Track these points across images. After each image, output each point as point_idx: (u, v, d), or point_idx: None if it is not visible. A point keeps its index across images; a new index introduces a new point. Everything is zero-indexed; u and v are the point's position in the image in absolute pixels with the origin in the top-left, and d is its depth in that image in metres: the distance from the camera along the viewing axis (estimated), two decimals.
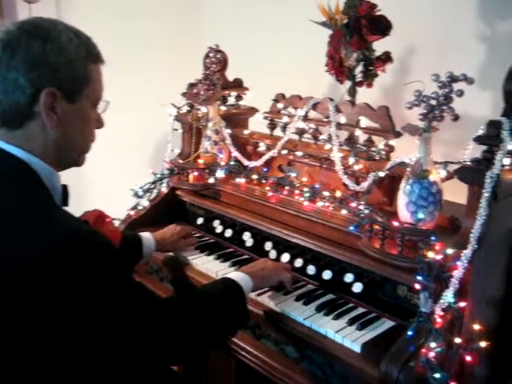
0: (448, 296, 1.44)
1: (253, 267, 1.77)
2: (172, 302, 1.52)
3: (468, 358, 1.42)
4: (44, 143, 1.35)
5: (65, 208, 1.41)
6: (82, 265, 1.22)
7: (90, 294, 1.23)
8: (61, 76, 1.31)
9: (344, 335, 1.59)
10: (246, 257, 2.10)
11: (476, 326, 1.45)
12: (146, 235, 2.08)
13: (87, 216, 1.75)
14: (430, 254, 1.53)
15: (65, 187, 1.45)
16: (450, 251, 1.52)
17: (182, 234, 2.18)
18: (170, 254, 2.17)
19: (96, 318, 1.25)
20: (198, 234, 2.30)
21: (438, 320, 1.43)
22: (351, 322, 1.65)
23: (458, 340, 1.42)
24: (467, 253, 1.46)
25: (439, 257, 1.50)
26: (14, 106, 1.30)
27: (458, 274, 1.45)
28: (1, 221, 1.24)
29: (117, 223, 2.31)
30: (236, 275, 1.67)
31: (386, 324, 1.66)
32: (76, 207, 1.44)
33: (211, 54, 2.37)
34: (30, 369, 1.25)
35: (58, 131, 1.36)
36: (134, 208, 2.45)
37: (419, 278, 1.48)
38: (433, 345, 1.38)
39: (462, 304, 1.45)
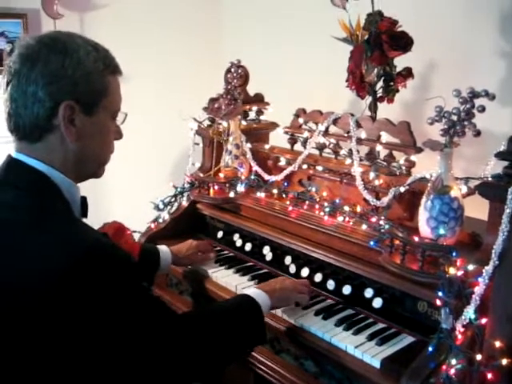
0: (469, 312, 1.43)
1: (272, 286, 1.74)
2: (189, 317, 1.52)
3: (489, 376, 1.40)
4: (64, 156, 1.36)
5: (84, 220, 1.42)
6: (100, 278, 1.22)
7: (107, 307, 1.24)
8: (79, 89, 1.32)
9: (364, 350, 1.58)
10: (266, 271, 2.10)
11: (497, 343, 1.43)
12: (162, 248, 2.09)
13: (106, 228, 1.76)
14: (451, 270, 1.52)
15: (84, 199, 1.46)
16: (471, 267, 1.51)
17: (199, 249, 2.18)
18: (190, 267, 2.18)
19: (113, 332, 1.25)
20: (217, 248, 2.31)
21: (459, 336, 1.42)
22: (371, 338, 1.64)
23: (479, 357, 1.41)
24: (488, 269, 1.45)
25: (460, 273, 1.49)
26: (33, 119, 1.31)
27: (479, 290, 1.44)
28: (22, 233, 1.25)
29: (137, 236, 2.33)
30: (254, 293, 1.66)
31: (406, 340, 1.65)
32: (96, 219, 1.45)
33: (233, 69, 2.39)
34: (44, 380, 1.25)
35: (78, 144, 1.36)
36: (154, 221, 2.46)
37: (440, 293, 1.47)
38: (453, 361, 1.36)
39: (484, 320, 1.43)
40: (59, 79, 1.29)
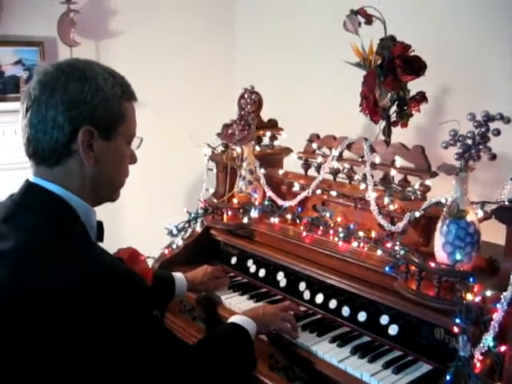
0: (488, 340, 1.40)
1: (255, 312, 1.77)
2: (191, 349, 1.52)
3: None
4: (81, 180, 1.38)
5: (100, 244, 1.43)
6: (113, 301, 1.23)
7: (117, 330, 1.24)
8: (97, 114, 1.34)
9: (380, 379, 1.55)
10: (280, 297, 2.08)
11: None
12: (178, 275, 2.08)
13: (121, 253, 1.76)
14: (469, 296, 1.50)
15: (100, 224, 1.47)
16: (488, 293, 1.48)
17: (214, 275, 2.17)
18: (204, 293, 2.16)
19: (118, 356, 1.25)
20: (231, 274, 2.29)
21: (478, 364, 1.39)
22: (387, 366, 1.61)
23: None
24: (507, 295, 1.42)
25: (478, 299, 1.47)
26: (52, 144, 1.33)
27: (497, 316, 1.41)
28: (39, 256, 1.26)
29: (150, 261, 2.32)
30: (242, 320, 1.68)
31: (423, 368, 1.61)
32: (110, 244, 1.46)
33: (246, 95, 2.40)
34: None
35: (95, 168, 1.38)
36: (168, 246, 2.46)
37: (457, 320, 1.44)
38: None
39: (503, 348, 1.41)
40: (78, 105, 1.32)
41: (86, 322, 1.20)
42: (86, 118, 1.33)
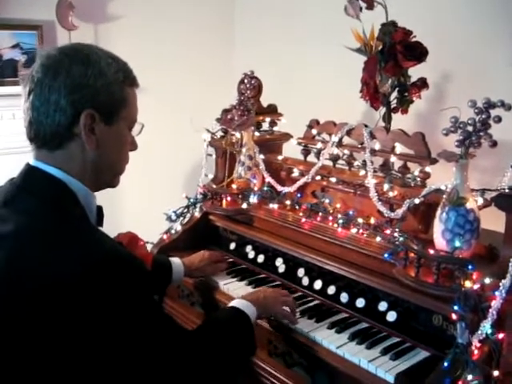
0: (486, 327, 1.41)
1: (256, 296, 1.77)
2: (191, 333, 1.53)
3: None
4: (82, 164, 1.38)
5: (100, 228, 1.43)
6: (114, 284, 1.23)
7: (118, 313, 1.25)
8: (100, 98, 1.35)
9: (377, 365, 1.56)
10: (278, 283, 2.08)
11: None
12: (175, 260, 2.09)
13: (121, 237, 1.76)
14: (467, 284, 1.50)
15: (100, 208, 1.47)
16: (487, 281, 1.48)
17: (211, 260, 2.18)
18: (201, 278, 2.17)
19: (117, 339, 1.26)
20: (230, 260, 2.30)
21: (475, 352, 1.39)
22: (385, 352, 1.62)
23: (496, 373, 1.38)
24: (506, 282, 1.42)
25: (476, 286, 1.47)
26: (54, 127, 1.33)
27: (496, 304, 1.42)
28: (39, 239, 1.26)
29: (149, 246, 2.32)
30: (242, 304, 1.68)
31: (421, 354, 1.62)
32: (109, 229, 1.45)
33: (246, 80, 2.38)
34: (41, 379, 1.25)
35: (97, 152, 1.38)
36: (166, 232, 2.45)
37: (456, 307, 1.44)
38: (469, 377, 1.34)
39: (501, 335, 1.41)
40: (81, 88, 1.32)
41: (86, 305, 1.20)
42: (88, 101, 1.33)
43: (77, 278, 1.19)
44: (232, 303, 1.71)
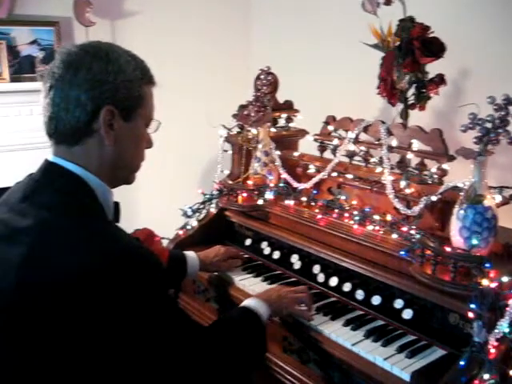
0: (503, 326, 1.39)
1: (269, 295, 1.76)
2: (204, 331, 1.53)
3: None
4: (100, 160, 1.39)
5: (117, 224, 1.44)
6: (131, 279, 1.24)
7: (134, 308, 1.26)
8: (119, 95, 1.36)
9: (393, 363, 1.55)
10: (294, 279, 2.08)
11: None
12: (190, 254, 2.10)
13: (138, 233, 1.78)
14: (485, 282, 1.48)
15: (117, 204, 1.49)
16: (505, 279, 1.47)
17: (226, 255, 2.18)
18: (216, 274, 2.17)
19: (131, 333, 1.26)
20: (245, 256, 2.30)
21: (492, 350, 1.38)
22: (400, 350, 1.61)
23: None
24: None
25: (494, 284, 1.46)
26: (74, 122, 1.34)
27: None
28: (58, 234, 1.27)
29: (165, 242, 2.33)
30: (254, 304, 1.68)
31: (437, 353, 1.61)
32: (125, 225, 1.46)
33: (262, 76, 2.38)
34: (58, 378, 1.26)
35: (114, 149, 1.39)
36: (182, 227, 2.46)
37: (473, 306, 1.43)
38: (486, 376, 1.33)
39: None
40: (101, 84, 1.33)
41: (104, 299, 1.21)
42: (108, 97, 1.34)
43: (94, 272, 1.20)
44: (244, 303, 1.71)
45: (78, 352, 1.23)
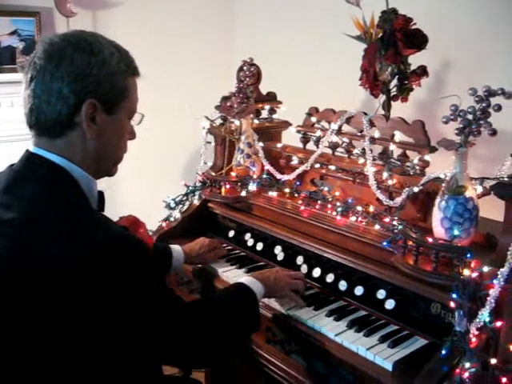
0: (484, 315, 1.41)
1: (265, 275, 1.78)
2: (196, 306, 1.55)
3: (504, 380, 1.38)
4: (83, 153, 1.38)
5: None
6: (119, 267, 1.24)
7: (124, 296, 1.26)
8: (102, 88, 1.34)
9: (376, 352, 1.56)
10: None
11: None
12: (175, 247, 2.10)
13: (123, 221, 1.76)
14: (466, 272, 1.50)
15: (101, 194, 1.48)
16: (486, 269, 1.48)
17: (211, 247, 2.18)
18: (200, 266, 2.17)
19: (127, 317, 1.27)
20: (229, 247, 2.30)
21: (473, 340, 1.39)
22: (383, 340, 1.62)
23: (493, 361, 1.38)
24: (504, 271, 1.42)
25: (475, 274, 1.47)
26: (56, 115, 1.33)
27: (494, 292, 1.41)
28: (42, 225, 1.26)
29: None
30: (249, 281, 1.70)
31: (419, 342, 1.62)
32: (109, 216, 1.46)
33: (245, 67, 2.37)
34: (56, 365, 1.26)
35: (97, 141, 1.39)
36: (165, 219, 2.46)
37: (454, 295, 1.45)
38: (467, 365, 1.34)
39: (499, 324, 1.41)
40: (84, 77, 1.32)
41: (93, 287, 1.21)
42: (90, 91, 1.33)
43: (83, 261, 1.20)
44: (240, 279, 1.73)
45: (69, 337, 1.23)
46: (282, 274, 1.83)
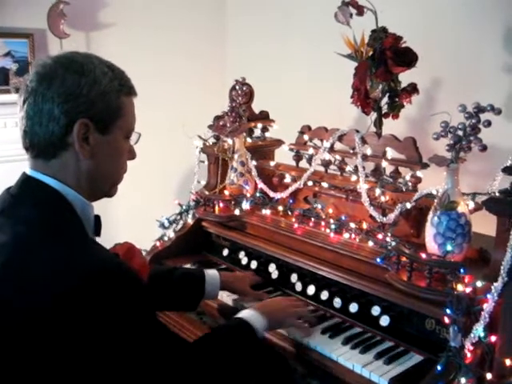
0: (478, 330, 1.41)
1: (267, 306, 1.73)
2: (190, 347, 1.48)
3: None
4: (77, 174, 1.37)
5: (97, 239, 1.42)
6: (109, 295, 1.22)
7: (112, 324, 1.23)
8: (94, 108, 1.34)
9: (371, 369, 1.56)
10: (271, 289, 2.08)
11: (508, 362, 1.41)
12: (210, 272, 1.98)
13: (117, 248, 1.75)
14: (459, 287, 1.50)
15: (98, 218, 1.46)
16: (479, 284, 1.49)
17: (254, 282, 2.07)
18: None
19: (113, 348, 1.24)
20: (223, 266, 2.29)
21: (468, 355, 1.40)
22: (378, 356, 1.62)
23: (489, 376, 1.39)
24: (497, 285, 1.43)
25: (468, 289, 1.48)
26: (48, 137, 1.32)
27: (488, 307, 1.42)
28: (35, 250, 1.25)
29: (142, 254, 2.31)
30: (250, 315, 1.63)
31: (414, 358, 1.62)
32: (102, 237, 1.45)
33: (237, 87, 2.39)
34: None
35: (91, 162, 1.37)
36: (159, 239, 2.45)
37: (448, 311, 1.45)
38: (463, 380, 1.35)
39: (493, 338, 1.42)
40: (75, 98, 1.31)
41: (82, 316, 1.19)
42: (82, 111, 1.32)
43: (73, 289, 1.18)
44: (240, 314, 1.66)
45: (59, 370, 1.21)
46: (285, 304, 1.78)
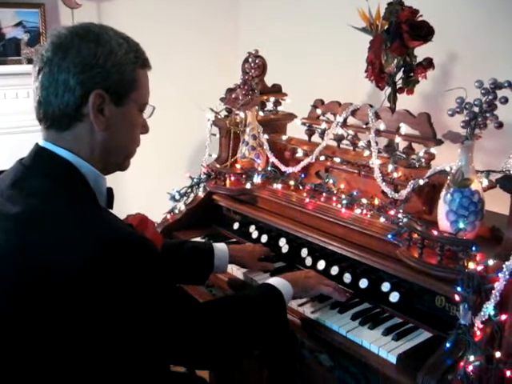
0: (488, 308, 1.41)
1: (295, 276, 1.75)
2: (211, 306, 1.50)
3: (508, 374, 1.38)
4: (91, 145, 1.37)
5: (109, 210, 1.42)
6: (127, 265, 1.22)
7: (132, 295, 1.24)
8: (110, 79, 1.33)
9: (380, 345, 1.56)
10: (282, 264, 2.08)
11: None
12: (219, 246, 1.99)
13: (130, 219, 1.76)
14: (471, 265, 1.49)
15: (110, 190, 1.47)
16: (491, 262, 1.48)
17: (262, 254, 2.08)
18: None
19: (136, 317, 1.26)
20: (233, 239, 2.30)
21: (478, 333, 1.40)
22: (387, 332, 1.62)
23: (498, 354, 1.39)
24: (509, 264, 1.42)
25: (480, 268, 1.47)
26: (63, 107, 1.32)
27: (499, 285, 1.41)
28: (48, 221, 1.25)
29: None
30: (277, 281, 1.65)
31: (423, 335, 1.62)
32: (114, 210, 1.45)
33: (250, 59, 2.36)
34: (63, 365, 1.25)
35: (106, 134, 1.37)
36: (170, 211, 2.46)
37: (459, 289, 1.44)
38: (471, 358, 1.34)
39: (503, 317, 1.41)
40: (91, 68, 1.30)
41: (100, 285, 1.19)
42: (97, 82, 1.31)
43: (89, 260, 1.18)
44: (268, 280, 1.67)
45: (77, 336, 1.22)
46: (314, 274, 1.81)
